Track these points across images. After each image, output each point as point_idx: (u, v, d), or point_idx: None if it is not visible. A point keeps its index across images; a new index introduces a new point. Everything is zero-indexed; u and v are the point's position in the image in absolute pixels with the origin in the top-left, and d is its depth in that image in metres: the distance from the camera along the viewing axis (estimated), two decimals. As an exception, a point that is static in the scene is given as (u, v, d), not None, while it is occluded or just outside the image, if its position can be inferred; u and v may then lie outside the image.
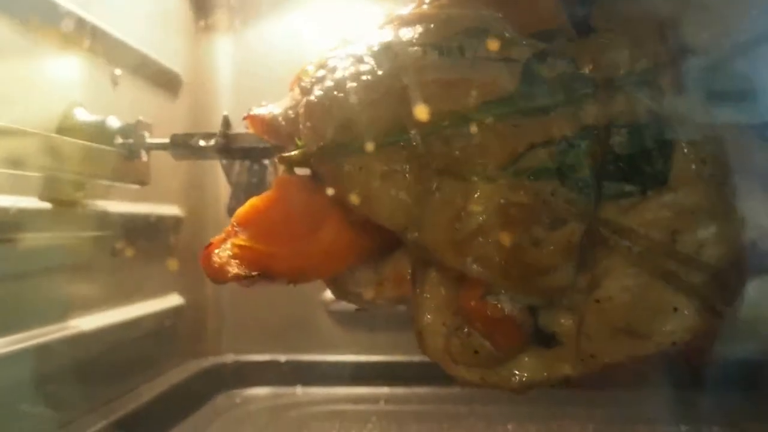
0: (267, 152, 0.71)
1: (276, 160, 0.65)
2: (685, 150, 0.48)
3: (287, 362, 1.01)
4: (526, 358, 0.51)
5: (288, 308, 1.00)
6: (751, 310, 0.85)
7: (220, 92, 1.01)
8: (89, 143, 0.69)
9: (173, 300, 0.94)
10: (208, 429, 0.86)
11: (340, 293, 0.60)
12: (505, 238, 0.46)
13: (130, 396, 0.81)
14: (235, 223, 0.54)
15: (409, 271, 0.55)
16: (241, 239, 0.52)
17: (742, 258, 0.48)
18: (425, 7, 0.58)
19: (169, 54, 0.90)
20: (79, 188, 0.71)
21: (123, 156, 0.75)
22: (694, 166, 0.48)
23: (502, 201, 0.46)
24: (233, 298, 1.02)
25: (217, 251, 0.50)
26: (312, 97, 0.55)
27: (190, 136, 0.74)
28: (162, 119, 0.85)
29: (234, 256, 0.50)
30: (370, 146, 0.51)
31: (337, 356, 1.01)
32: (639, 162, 0.48)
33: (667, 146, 0.48)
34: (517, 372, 0.51)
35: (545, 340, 0.50)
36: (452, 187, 0.48)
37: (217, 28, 1.02)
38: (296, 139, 0.56)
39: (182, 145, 0.74)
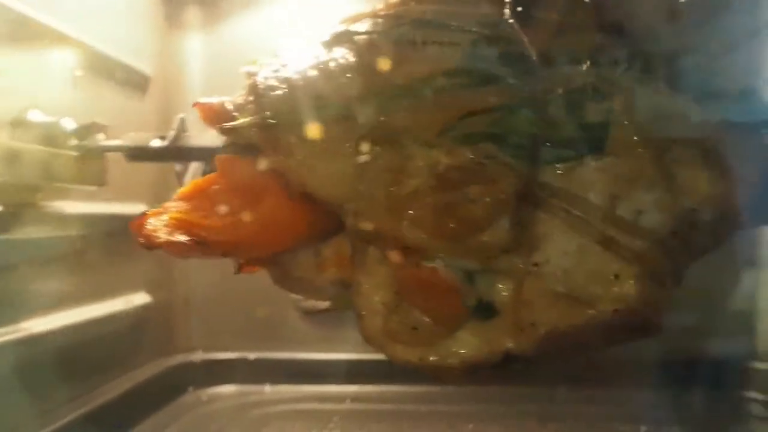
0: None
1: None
2: (624, 119, 0.46)
3: (256, 360, 0.95)
4: (465, 335, 0.46)
5: (257, 306, 0.95)
6: (747, 304, 0.82)
7: (190, 90, 0.96)
8: (41, 147, 0.65)
9: (141, 298, 0.89)
10: (169, 427, 0.80)
11: (282, 280, 0.56)
12: (440, 198, 0.42)
13: (96, 393, 0.76)
14: (175, 198, 0.50)
15: (350, 251, 0.51)
16: (178, 212, 0.48)
17: (685, 226, 0.44)
18: (378, 6, 0.57)
19: (137, 52, 0.86)
20: (35, 191, 0.67)
21: (78, 158, 0.71)
22: (632, 135, 0.45)
23: (438, 164, 0.43)
24: (202, 295, 0.97)
25: (151, 220, 0.46)
26: (257, 78, 0.53)
27: (144, 138, 0.70)
28: (128, 118, 0.81)
29: (167, 225, 0.46)
30: (310, 118, 0.48)
31: (306, 354, 0.95)
32: (576, 129, 0.45)
33: (604, 115, 0.46)
34: (456, 349, 0.47)
35: (485, 312, 0.46)
36: (390, 155, 0.45)
37: (188, 25, 0.97)
38: (237, 115, 0.53)
39: (135, 148, 0.70)
